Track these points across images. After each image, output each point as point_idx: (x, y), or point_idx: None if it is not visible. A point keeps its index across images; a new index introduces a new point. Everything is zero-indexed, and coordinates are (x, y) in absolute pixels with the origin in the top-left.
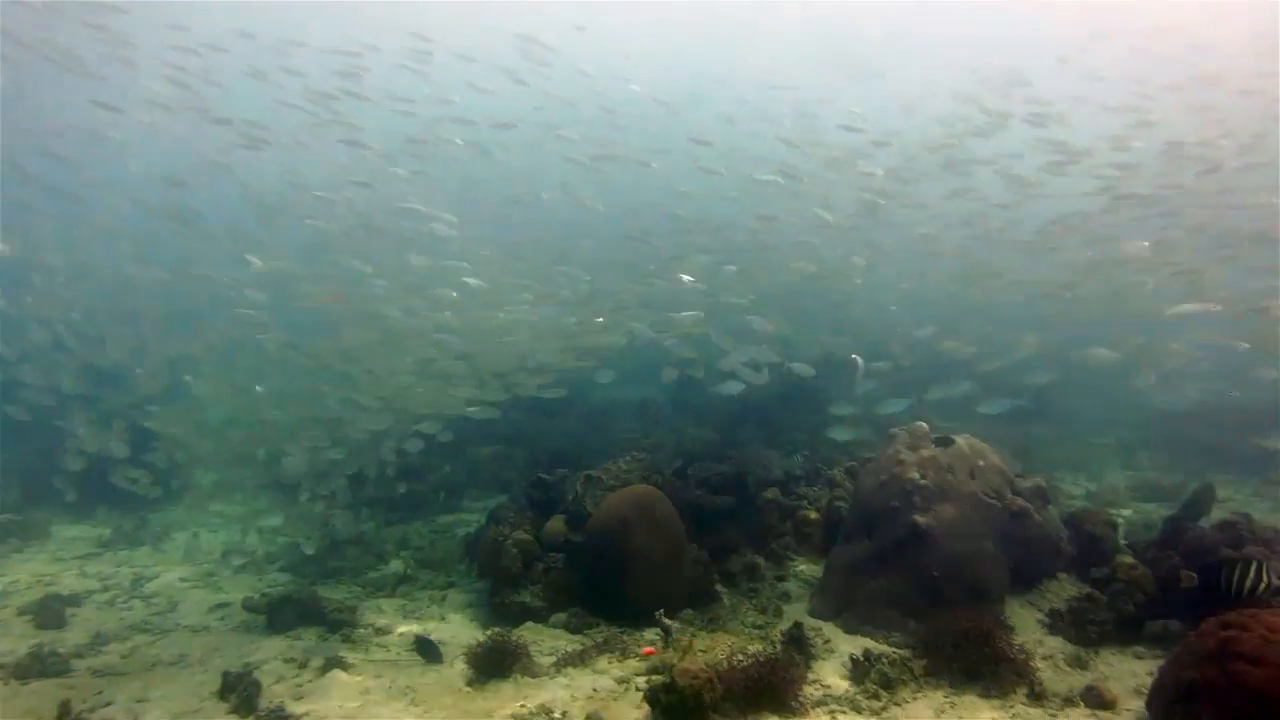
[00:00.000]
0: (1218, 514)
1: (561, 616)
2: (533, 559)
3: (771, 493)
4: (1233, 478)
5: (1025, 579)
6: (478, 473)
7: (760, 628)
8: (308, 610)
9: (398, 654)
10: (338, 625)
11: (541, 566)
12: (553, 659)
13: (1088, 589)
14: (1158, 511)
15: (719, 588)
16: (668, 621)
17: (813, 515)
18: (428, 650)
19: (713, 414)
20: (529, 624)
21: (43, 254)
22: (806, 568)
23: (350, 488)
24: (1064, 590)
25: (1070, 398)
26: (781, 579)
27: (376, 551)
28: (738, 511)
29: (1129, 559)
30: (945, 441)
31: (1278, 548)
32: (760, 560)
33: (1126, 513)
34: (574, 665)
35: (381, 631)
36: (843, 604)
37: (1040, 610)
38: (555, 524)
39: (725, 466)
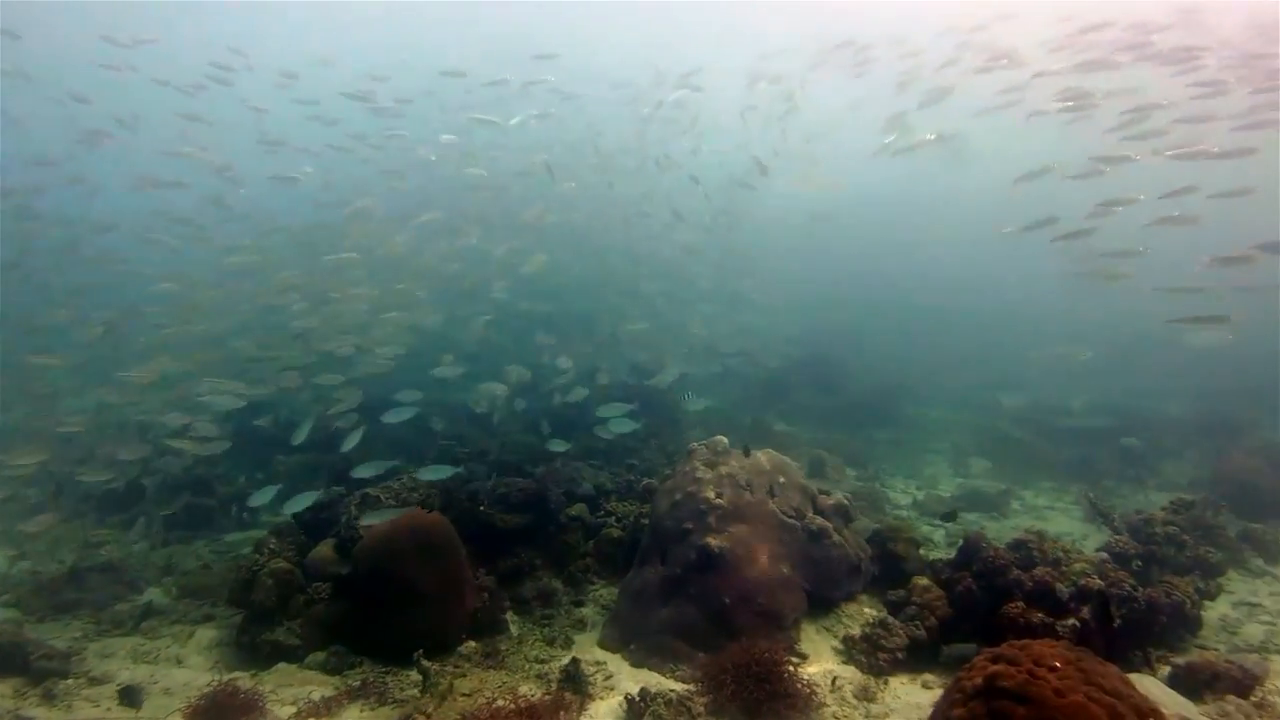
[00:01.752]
0: (1027, 523)
1: (320, 656)
2: (293, 590)
3: (578, 509)
4: (1055, 484)
5: (824, 602)
6: (281, 484)
7: (543, 662)
8: (6, 657)
9: (106, 709)
10: (43, 675)
11: (303, 599)
12: (294, 709)
13: (885, 613)
14: (978, 522)
15: (510, 616)
16: (425, 663)
17: (615, 534)
18: (131, 702)
19: (554, 419)
20: (281, 665)
21: None
22: (607, 592)
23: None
24: (863, 613)
25: (913, 399)
26: (579, 604)
27: (129, 579)
28: (537, 531)
29: (925, 580)
30: (745, 452)
31: (1064, 568)
32: (558, 584)
33: (948, 524)
34: (317, 716)
35: (96, 681)
36: (632, 634)
37: (836, 636)
38: (323, 550)
39: (526, 481)
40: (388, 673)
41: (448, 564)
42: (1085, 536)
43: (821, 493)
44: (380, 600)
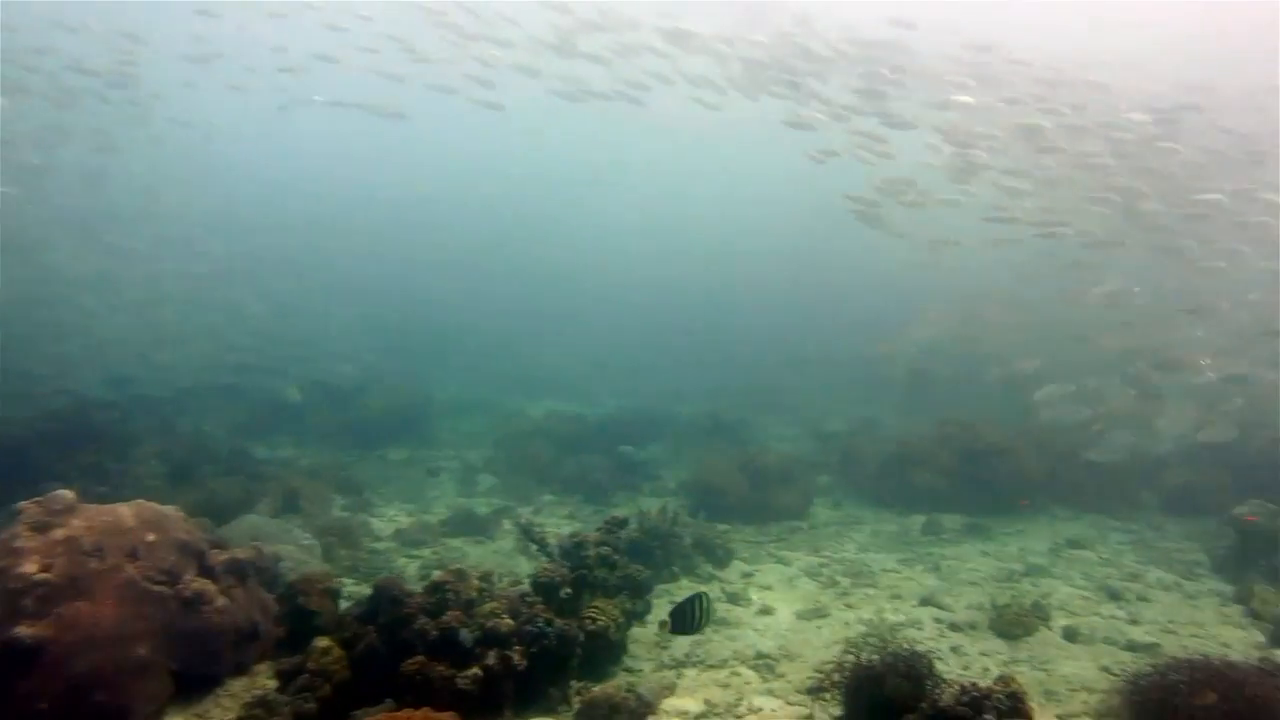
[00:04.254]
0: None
1: None
2: None
3: None
4: (556, 497)
5: (203, 681)
6: None
7: None
8: None
9: None
10: None
11: None
12: None
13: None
14: (462, 548)
15: None
16: None
17: None
18: None
19: None
20: None
21: None
22: None
23: None
24: (255, 688)
25: (450, 411)
26: None
27: None
28: None
29: (326, 641)
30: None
31: (476, 609)
32: None
33: (426, 553)
34: None
35: None
36: None
37: None
38: None
39: None
40: None
41: None
42: None
43: (214, 548)
44: None
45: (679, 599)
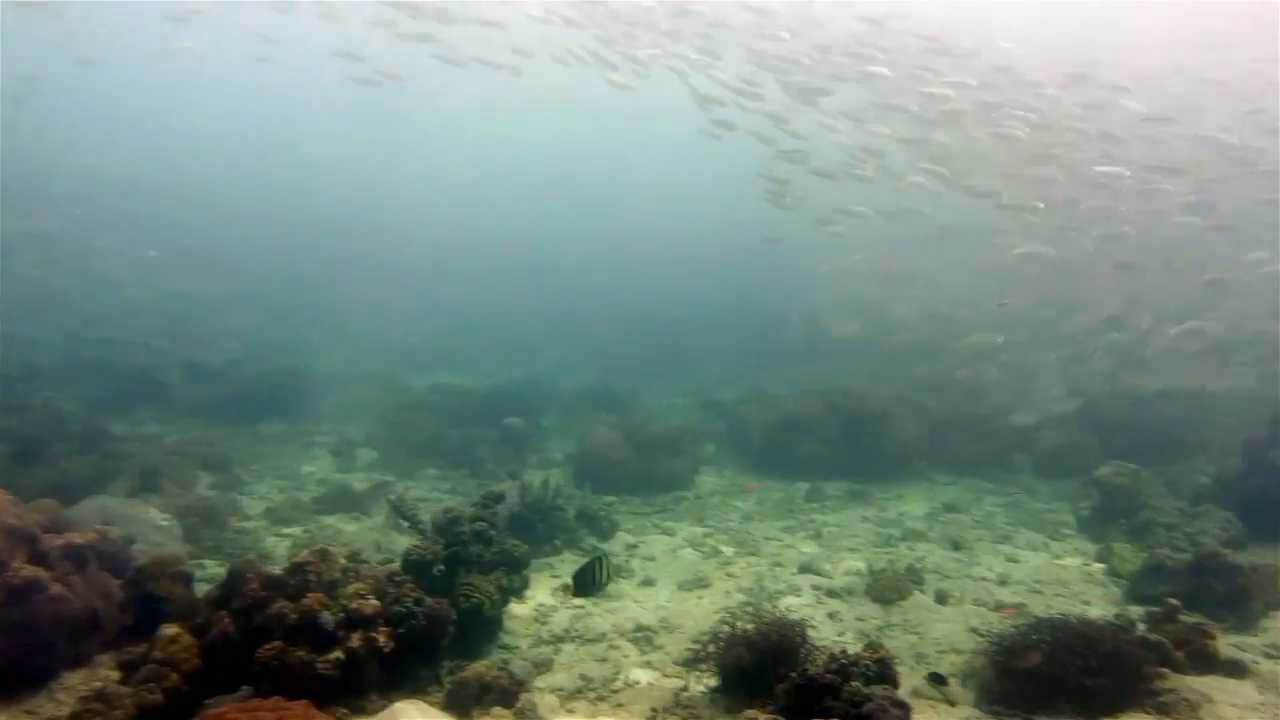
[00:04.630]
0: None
1: None
2: None
3: None
4: (439, 471)
5: (35, 675)
6: None
7: None
8: None
9: None
10: None
11: None
12: None
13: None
14: (335, 525)
15: None
16: None
17: None
18: None
19: None
20: None
21: None
22: None
23: None
24: (96, 680)
25: (332, 383)
26: None
27: None
28: None
29: (174, 628)
30: None
31: (339, 590)
32: None
33: (298, 532)
34: None
35: None
36: None
37: None
38: None
39: None
40: None
41: None
42: None
43: (47, 532)
44: None
45: (561, 573)
